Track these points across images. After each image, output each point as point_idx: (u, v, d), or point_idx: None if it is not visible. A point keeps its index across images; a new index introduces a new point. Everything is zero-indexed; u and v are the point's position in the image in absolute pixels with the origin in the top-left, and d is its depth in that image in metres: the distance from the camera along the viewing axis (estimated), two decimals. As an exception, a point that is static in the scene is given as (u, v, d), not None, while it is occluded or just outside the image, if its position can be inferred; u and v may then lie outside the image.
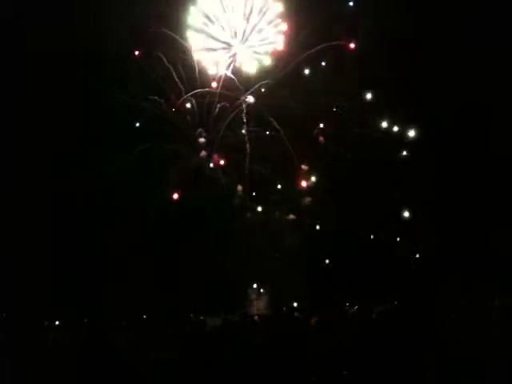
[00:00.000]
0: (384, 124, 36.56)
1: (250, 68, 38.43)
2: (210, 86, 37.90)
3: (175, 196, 37.03)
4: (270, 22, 38.51)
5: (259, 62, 38.54)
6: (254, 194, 37.13)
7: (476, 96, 33.88)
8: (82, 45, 35.37)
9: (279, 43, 38.63)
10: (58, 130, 34.72)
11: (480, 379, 24.05)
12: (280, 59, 38.04)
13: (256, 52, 38.62)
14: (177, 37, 37.52)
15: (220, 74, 38.18)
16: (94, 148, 35.33)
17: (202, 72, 37.87)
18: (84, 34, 35.21)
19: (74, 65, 35.37)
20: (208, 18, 38.63)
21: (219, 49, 38.62)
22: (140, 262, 33.85)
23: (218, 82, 38.00)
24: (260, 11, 38.55)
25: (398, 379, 26.08)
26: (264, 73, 37.85)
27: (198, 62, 38.08)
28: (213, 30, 38.66)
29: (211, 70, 38.15)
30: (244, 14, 38.41)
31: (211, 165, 37.52)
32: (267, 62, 38.61)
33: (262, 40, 38.77)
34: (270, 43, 38.68)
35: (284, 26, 38.33)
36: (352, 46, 36.92)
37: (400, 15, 34.25)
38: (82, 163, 35.21)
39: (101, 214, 34.76)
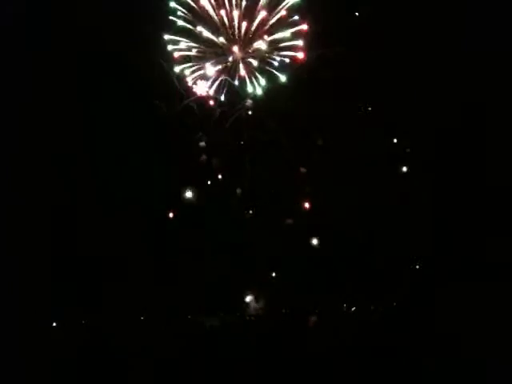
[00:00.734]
0: (384, 135, 35.43)
1: (258, 89, 31.62)
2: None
3: (171, 215, 35.53)
4: (285, 21, 29.97)
5: (272, 79, 31.11)
6: (253, 196, 36.93)
7: (474, 102, 34.30)
8: (83, 46, 35.42)
9: (299, 50, 30.69)
10: (59, 131, 34.74)
11: (480, 379, 24.43)
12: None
13: (266, 60, 31.05)
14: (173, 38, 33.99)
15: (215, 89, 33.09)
16: (95, 149, 35.35)
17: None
18: (83, 35, 35.29)
19: (77, 66, 35.43)
20: (195, 14, 32.03)
21: (210, 56, 32.55)
22: (140, 262, 33.98)
23: (215, 100, 33.18)
24: (267, 5, 29.51)
25: (397, 379, 26.49)
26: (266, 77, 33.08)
27: (180, 76, 33.63)
28: (202, 30, 32.25)
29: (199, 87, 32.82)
30: (243, 10, 30.42)
31: (211, 168, 36.86)
32: (283, 79, 30.96)
33: (274, 45, 30.72)
34: (286, 50, 30.50)
35: (304, 26, 30.25)
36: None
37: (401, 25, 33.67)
38: (83, 164, 35.26)
39: (101, 214, 34.75)
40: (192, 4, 32.22)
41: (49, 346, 30.78)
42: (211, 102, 34.33)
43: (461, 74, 33.71)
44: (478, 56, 33.33)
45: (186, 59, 33.34)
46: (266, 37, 30.63)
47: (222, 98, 33.22)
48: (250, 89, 32.31)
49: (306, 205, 35.74)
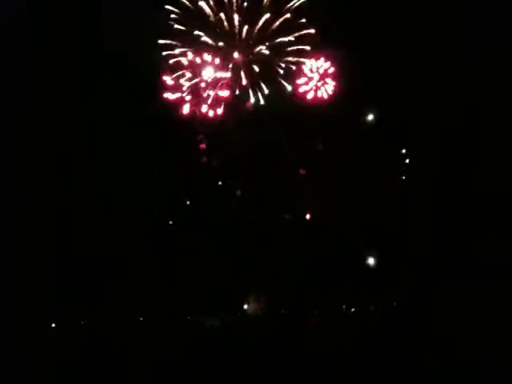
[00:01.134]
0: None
1: (261, 99, 30.61)
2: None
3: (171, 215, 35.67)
4: (289, 25, 28.00)
5: (276, 87, 29.63)
6: (253, 197, 36.86)
7: (473, 103, 34.36)
8: (83, 46, 35.46)
9: (306, 55, 29.41)
10: (59, 131, 34.79)
11: (479, 379, 24.44)
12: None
13: (270, 66, 29.49)
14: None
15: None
16: (95, 149, 35.39)
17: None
18: (83, 35, 35.33)
19: (77, 66, 35.46)
20: (194, 17, 31.24)
21: (210, 61, 31.75)
22: (140, 263, 34.02)
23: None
24: (269, 6, 27.34)
25: (398, 379, 26.50)
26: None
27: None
28: (201, 34, 31.73)
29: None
30: (243, 10, 28.65)
31: (212, 169, 36.69)
32: (289, 88, 30.10)
33: (277, 50, 28.98)
34: (291, 56, 28.83)
35: (311, 30, 29.10)
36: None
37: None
38: (83, 164, 35.30)
39: (101, 214, 34.78)
40: (190, 6, 31.55)
41: (49, 345, 30.79)
42: (211, 113, 34.24)
43: (461, 75, 33.77)
44: (477, 56, 33.36)
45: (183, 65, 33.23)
46: (267, 44, 29.46)
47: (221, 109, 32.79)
48: (252, 99, 31.78)
49: (306, 206, 35.80)
